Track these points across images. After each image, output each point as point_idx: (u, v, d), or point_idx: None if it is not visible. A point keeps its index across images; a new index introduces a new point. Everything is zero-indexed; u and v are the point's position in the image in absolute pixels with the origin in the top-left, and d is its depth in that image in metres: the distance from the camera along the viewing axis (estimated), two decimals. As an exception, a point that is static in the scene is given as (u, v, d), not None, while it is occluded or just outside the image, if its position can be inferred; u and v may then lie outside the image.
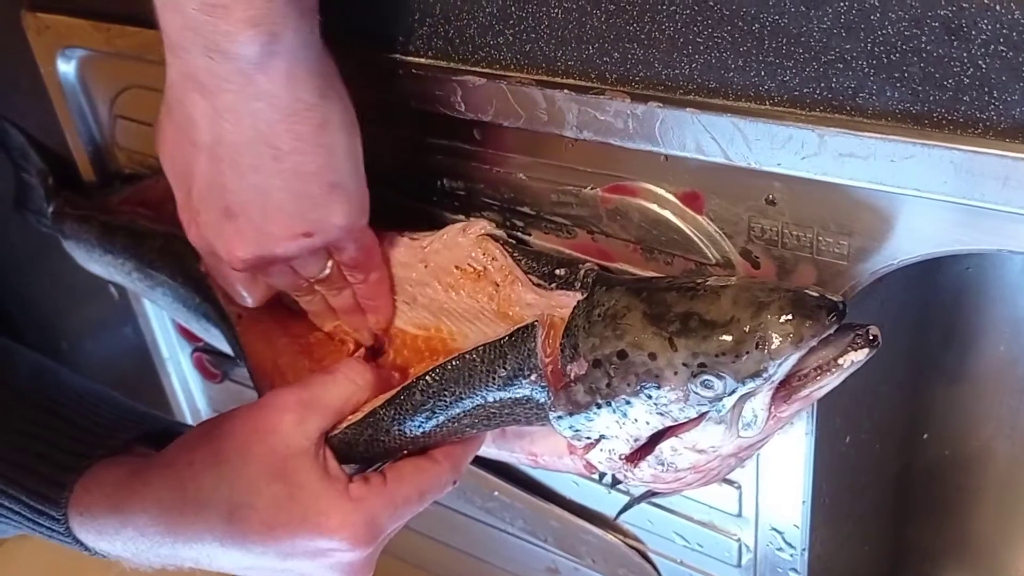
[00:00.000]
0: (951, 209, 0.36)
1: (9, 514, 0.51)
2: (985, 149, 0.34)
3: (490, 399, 0.44)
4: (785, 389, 0.39)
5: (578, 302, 0.43)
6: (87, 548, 0.50)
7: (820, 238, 0.41)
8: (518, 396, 0.43)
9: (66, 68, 0.64)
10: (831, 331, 0.37)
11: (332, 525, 0.44)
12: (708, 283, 0.40)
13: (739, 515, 0.51)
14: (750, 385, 0.38)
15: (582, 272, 0.44)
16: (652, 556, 0.57)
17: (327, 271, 0.49)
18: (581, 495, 0.58)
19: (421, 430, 0.46)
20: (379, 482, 0.46)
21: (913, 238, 0.38)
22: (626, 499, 0.54)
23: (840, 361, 0.38)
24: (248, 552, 0.45)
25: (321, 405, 0.46)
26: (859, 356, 0.38)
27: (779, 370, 0.38)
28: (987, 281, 0.53)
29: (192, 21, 0.38)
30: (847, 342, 0.38)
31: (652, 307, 0.40)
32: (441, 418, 0.45)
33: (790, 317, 0.37)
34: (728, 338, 0.38)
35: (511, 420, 0.45)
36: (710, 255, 0.44)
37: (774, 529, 0.50)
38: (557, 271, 0.45)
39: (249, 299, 0.51)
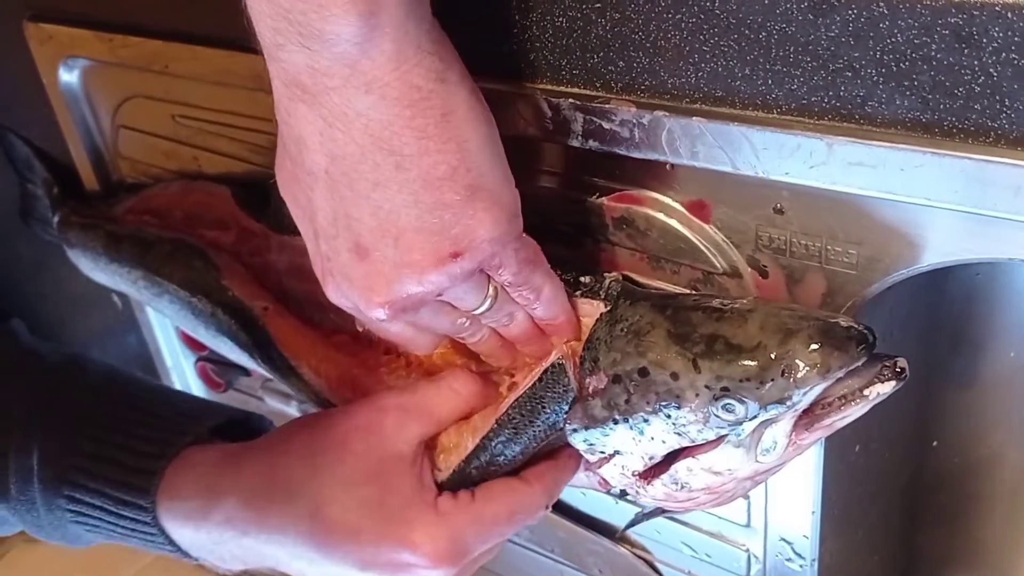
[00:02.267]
0: (962, 218, 0.36)
1: (89, 510, 0.50)
2: (996, 158, 0.33)
3: (539, 439, 0.44)
4: (808, 417, 0.39)
5: (601, 314, 0.43)
6: (170, 540, 0.48)
7: (829, 247, 0.40)
8: (559, 426, 0.44)
9: (68, 78, 0.64)
10: (859, 363, 0.37)
11: (416, 539, 0.43)
12: (735, 305, 0.39)
13: (748, 525, 0.51)
14: (773, 412, 0.38)
15: (607, 282, 0.44)
16: (660, 566, 0.57)
17: (489, 300, 0.41)
18: (588, 506, 0.57)
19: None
20: (467, 499, 0.44)
21: (923, 247, 0.38)
22: (634, 509, 0.53)
23: (866, 392, 0.38)
24: (327, 557, 0.44)
25: (423, 412, 0.45)
26: (885, 388, 0.37)
27: (804, 399, 0.37)
28: (997, 287, 0.53)
29: (282, 6, 0.32)
30: (874, 373, 0.38)
31: (677, 326, 0.40)
32: (502, 467, 0.45)
33: (818, 346, 0.36)
34: (754, 364, 0.37)
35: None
36: (717, 264, 0.44)
37: (783, 539, 0.50)
38: (582, 278, 0.44)
39: (420, 348, 0.45)
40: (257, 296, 0.54)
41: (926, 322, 0.53)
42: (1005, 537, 0.60)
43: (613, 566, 0.58)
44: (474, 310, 0.41)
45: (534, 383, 0.43)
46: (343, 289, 0.39)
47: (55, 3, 0.62)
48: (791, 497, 0.48)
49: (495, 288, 0.41)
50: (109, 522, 0.50)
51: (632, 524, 0.54)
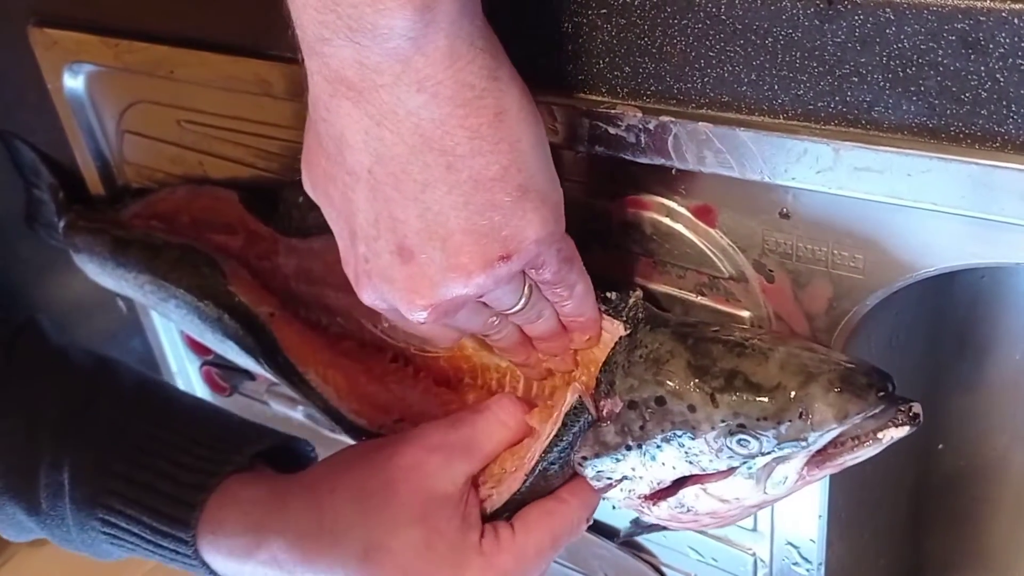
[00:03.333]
0: (968, 223, 0.36)
1: (125, 535, 0.49)
2: (1003, 163, 0.33)
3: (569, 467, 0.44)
4: (820, 455, 0.39)
5: (620, 338, 0.43)
6: (211, 570, 0.47)
7: (835, 252, 0.40)
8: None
9: (73, 83, 0.64)
10: (876, 410, 0.37)
11: None
12: (756, 341, 0.40)
13: (754, 529, 0.51)
14: (787, 450, 0.38)
15: (631, 301, 0.44)
16: (666, 570, 0.57)
17: (523, 299, 0.40)
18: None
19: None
20: (508, 536, 0.44)
21: (929, 252, 0.38)
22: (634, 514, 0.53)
23: (879, 435, 0.38)
24: None
25: (470, 448, 0.44)
26: (899, 433, 0.38)
27: (819, 440, 0.38)
28: (1002, 290, 0.53)
29: None
30: (888, 416, 0.38)
31: (696, 357, 0.40)
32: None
33: (838, 392, 0.37)
34: (772, 403, 0.38)
35: None
36: (723, 269, 0.44)
37: (790, 543, 0.50)
38: (608, 294, 0.44)
39: (443, 343, 0.45)
40: (263, 302, 0.53)
41: (932, 326, 0.53)
42: (1011, 540, 0.60)
43: (619, 570, 0.58)
44: (508, 310, 0.40)
45: (558, 428, 0.42)
46: (382, 291, 0.37)
47: (60, 9, 0.62)
48: (798, 501, 0.48)
49: (529, 287, 0.40)
50: (147, 548, 0.49)
51: (629, 535, 0.54)
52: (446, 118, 0.34)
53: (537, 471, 0.43)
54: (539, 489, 0.44)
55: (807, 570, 0.50)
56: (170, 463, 0.48)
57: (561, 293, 0.41)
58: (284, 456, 0.52)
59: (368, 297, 0.38)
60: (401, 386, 0.49)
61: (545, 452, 0.43)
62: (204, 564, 0.47)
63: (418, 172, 0.34)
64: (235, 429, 0.52)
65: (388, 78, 0.32)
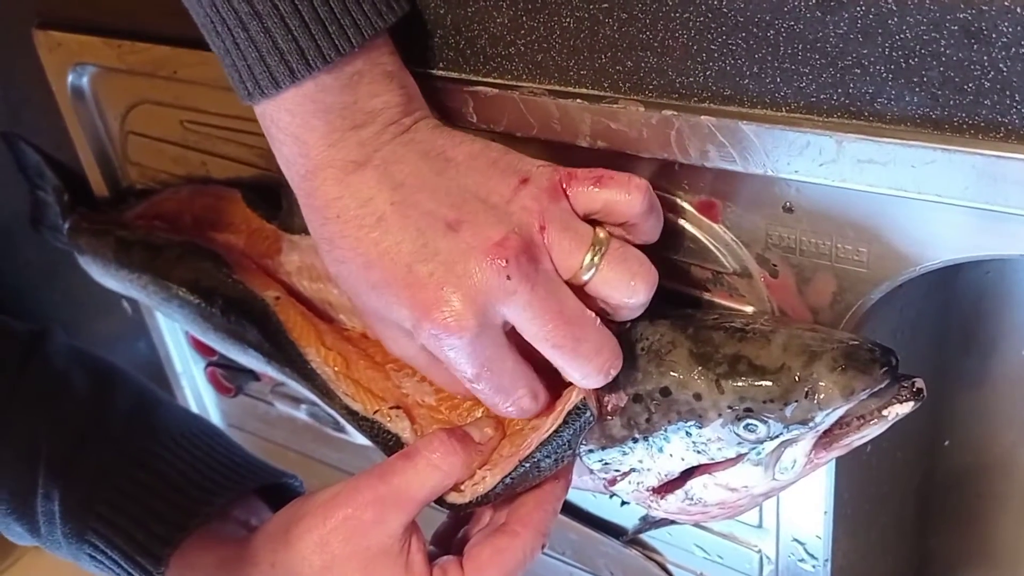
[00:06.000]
0: (973, 214, 0.35)
1: (115, 568, 0.53)
2: (1007, 153, 0.33)
3: (560, 466, 0.44)
4: (827, 436, 0.39)
5: (620, 332, 0.43)
6: None
7: (839, 245, 0.40)
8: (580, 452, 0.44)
9: (78, 85, 0.64)
10: (882, 385, 0.37)
11: None
12: (757, 326, 0.40)
13: (760, 526, 0.51)
14: (794, 432, 0.38)
15: None
16: (671, 568, 0.56)
17: (592, 253, 0.41)
18: (599, 508, 0.57)
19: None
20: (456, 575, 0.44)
21: (934, 244, 0.38)
22: (644, 511, 0.53)
23: (884, 412, 0.38)
24: None
25: (402, 499, 0.44)
26: (904, 409, 0.38)
27: (826, 420, 0.38)
28: (1007, 285, 0.53)
29: (333, 111, 0.40)
30: (892, 393, 0.38)
31: (699, 345, 0.40)
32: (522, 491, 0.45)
33: (843, 369, 0.37)
34: (778, 385, 0.38)
35: None
36: (727, 264, 0.44)
37: (796, 540, 0.50)
38: None
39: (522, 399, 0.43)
40: (269, 287, 0.54)
41: (937, 321, 0.53)
42: (1018, 536, 0.59)
43: (625, 568, 0.58)
44: (583, 259, 0.40)
45: (559, 424, 0.43)
46: (460, 272, 0.39)
47: (64, 11, 0.62)
48: (803, 497, 0.48)
49: (602, 243, 0.41)
50: None
51: (637, 532, 0.54)
52: (430, 137, 0.42)
53: (531, 461, 0.43)
54: (528, 480, 0.44)
55: (813, 566, 0.50)
56: (145, 509, 0.52)
57: (614, 188, 0.41)
58: (276, 494, 0.55)
59: (455, 301, 0.39)
60: (400, 375, 0.49)
61: (542, 444, 0.43)
62: None
63: (428, 171, 0.41)
64: (216, 468, 0.55)
65: (388, 135, 0.41)
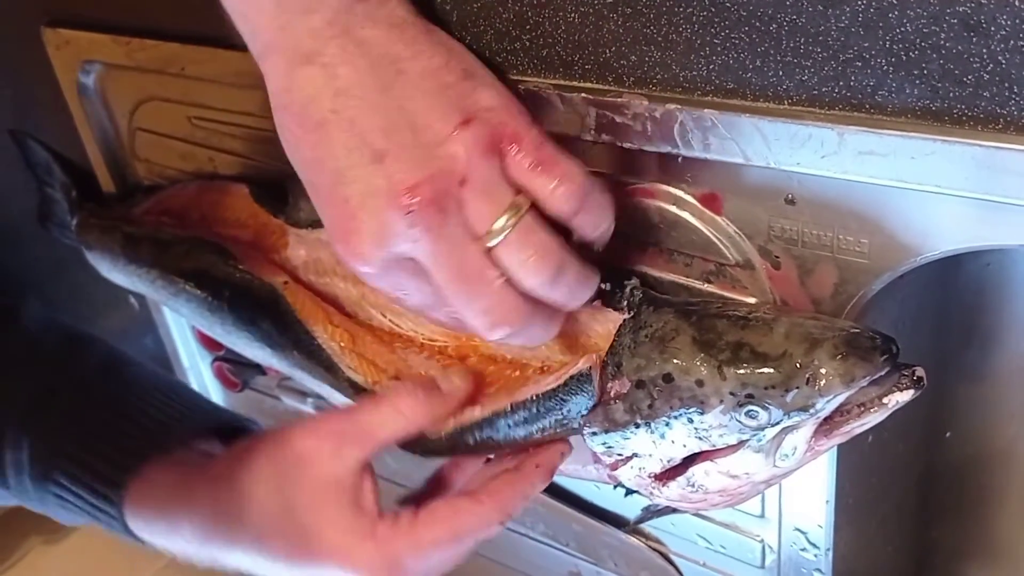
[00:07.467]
0: (973, 205, 0.36)
1: (72, 506, 0.55)
2: (1006, 144, 0.34)
3: (544, 433, 0.44)
4: (827, 424, 0.40)
5: (624, 320, 0.44)
6: (143, 542, 0.53)
7: (840, 237, 0.41)
8: (573, 427, 0.44)
9: (86, 82, 0.65)
10: (882, 372, 0.38)
11: (352, 567, 0.44)
12: (759, 314, 0.40)
13: (762, 516, 0.51)
14: (795, 419, 0.39)
15: (628, 289, 0.44)
16: (674, 558, 0.57)
17: (509, 212, 0.39)
18: (602, 499, 0.58)
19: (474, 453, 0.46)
20: (407, 523, 0.44)
21: (934, 235, 0.38)
22: (647, 501, 0.54)
23: (884, 400, 0.39)
24: (276, 572, 0.47)
25: (361, 435, 0.44)
26: (904, 396, 0.39)
27: (827, 407, 0.38)
28: (1008, 277, 0.53)
29: None
30: (893, 381, 0.39)
31: (702, 333, 0.40)
32: (497, 447, 0.46)
33: (844, 356, 0.37)
34: (779, 372, 0.38)
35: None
36: (729, 256, 0.44)
37: (798, 529, 0.50)
38: (603, 285, 0.44)
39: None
40: (276, 273, 0.54)
41: (937, 313, 0.53)
42: (1019, 528, 0.60)
43: (628, 559, 0.58)
44: (491, 226, 0.39)
45: (558, 384, 0.43)
46: (372, 207, 0.38)
47: (72, 8, 0.63)
48: (805, 487, 0.48)
49: (514, 204, 0.39)
50: (92, 516, 0.55)
51: (640, 521, 0.54)
52: (386, 40, 0.39)
53: (521, 412, 0.44)
54: (512, 437, 0.44)
55: (815, 555, 0.50)
56: (110, 445, 0.54)
57: (548, 176, 0.40)
58: (237, 434, 0.56)
59: (367, 223, 0.39)
60: (407, 351, 0.50)
61: (535, 398, 0.43)
62: (136, 537, 0.53)
63: (373, 84, 0.39)
64: (179, 410, 0.57)
65: (337, 29, 0.38)
